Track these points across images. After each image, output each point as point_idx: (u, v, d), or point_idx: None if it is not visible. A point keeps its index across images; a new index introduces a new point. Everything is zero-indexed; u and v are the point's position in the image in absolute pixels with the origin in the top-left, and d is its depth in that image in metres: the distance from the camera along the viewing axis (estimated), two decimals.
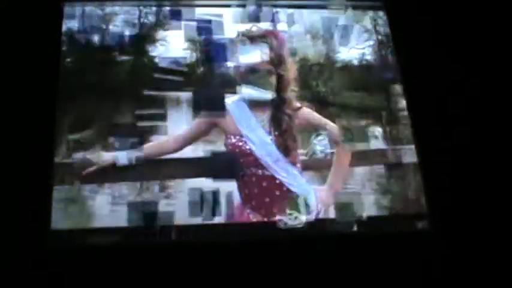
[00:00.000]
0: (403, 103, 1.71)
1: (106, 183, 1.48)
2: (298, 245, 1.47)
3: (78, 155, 1.49)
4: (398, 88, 1.73)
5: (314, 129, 1.60)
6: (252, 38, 1.58)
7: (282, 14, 1.76)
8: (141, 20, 1.68)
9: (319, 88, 1.68)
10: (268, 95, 1.55)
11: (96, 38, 1.64)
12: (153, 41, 1.66)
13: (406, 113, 1.69)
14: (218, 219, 1.49)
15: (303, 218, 1.49)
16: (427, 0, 1.82)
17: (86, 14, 1.65)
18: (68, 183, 1.45)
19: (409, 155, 1.64)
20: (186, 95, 1.61)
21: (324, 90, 1.68)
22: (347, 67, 1.76)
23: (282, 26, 1.74)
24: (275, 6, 1.77)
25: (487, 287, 1.47)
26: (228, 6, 1.74)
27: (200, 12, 1.71)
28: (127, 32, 1.66)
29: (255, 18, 1.72)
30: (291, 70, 1.58)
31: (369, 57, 1.79)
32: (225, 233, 1.49)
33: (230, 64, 1.63)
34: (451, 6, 1.81)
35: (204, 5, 1.73)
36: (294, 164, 1.55)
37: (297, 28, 1.76)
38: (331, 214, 1.55)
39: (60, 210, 1.42)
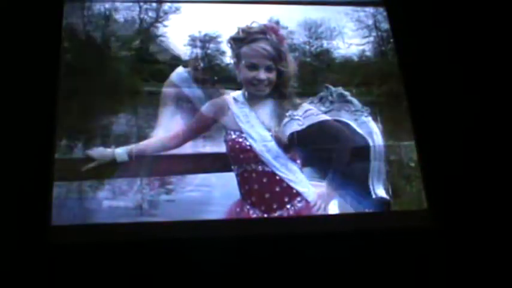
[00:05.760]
0: (403, 100, 1.70)
1: (106, 179, 1.48)
2: (299, 242, 1.47)
3: (78, 151, 1.49)
4: (398, 84, 1.73)
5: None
6: (252, 34, 1.57)
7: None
8: (142, 16, 1.68)
9: (319, 84, 1.68)
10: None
11: (96, 34, 1.65)
12: (154, 37, 1.67)
13: (406, 109, 1.69)
14: (218, 216, 1.50)
15: None
16: None
17: (86, 10, 1.65)
18: (68, 179, 1.46)
19: (409, 151, 1.64)
20: (185, 91, 1.61)
21: (324, 86, 1.67)
22: (347, 63, 1.76)
23: (281, 23, 1.74)
24: (275, 2, 1.77)
25: (489, 282, 1.47)
26: (227, 2, 1.74)
27: None
28: (128, 28, 1.66)
29: None
30: (291, 66, 1.58)
31: (368, 54, 1.78)
32: (224, 229, 1.49)
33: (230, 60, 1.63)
34: (452, 2, 1.80)
35: (204, 1, 1.73)
36: (294, 160, 1.55)
37: (297, 24, 1.75)
38: (331, 210, 1.55)
39: (60, 206, 1.42)
